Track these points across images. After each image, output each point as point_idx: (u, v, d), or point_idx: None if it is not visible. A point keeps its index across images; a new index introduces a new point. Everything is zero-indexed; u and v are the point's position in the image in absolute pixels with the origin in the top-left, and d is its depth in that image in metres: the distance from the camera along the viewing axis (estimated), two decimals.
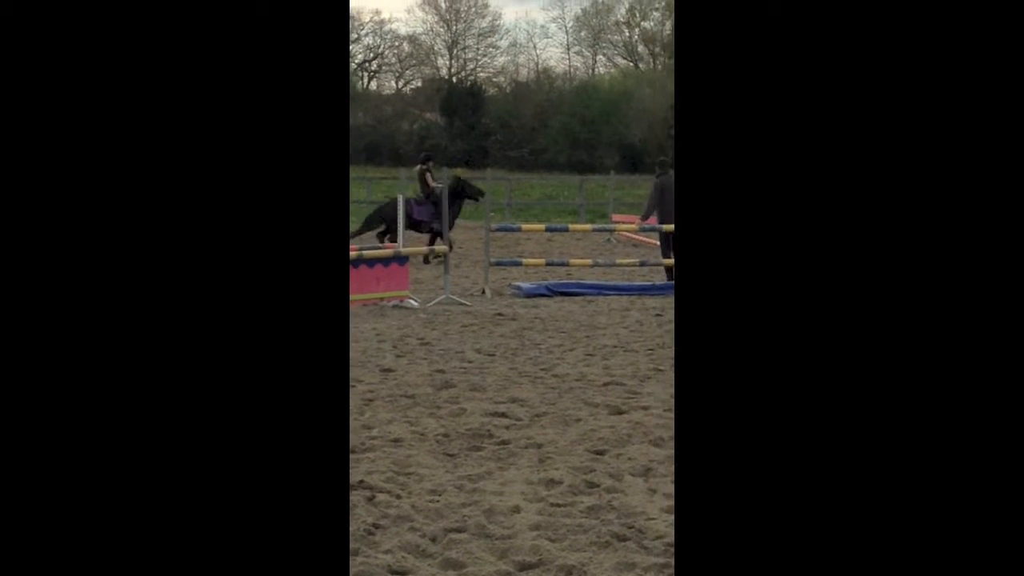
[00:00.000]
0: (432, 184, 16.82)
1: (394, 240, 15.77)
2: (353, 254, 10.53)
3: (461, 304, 10.95)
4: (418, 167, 17.48)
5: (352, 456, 4.72)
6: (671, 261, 13.18)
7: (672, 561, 3.54)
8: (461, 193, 16.90)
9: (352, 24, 48.88)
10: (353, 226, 15.76)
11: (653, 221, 13.79)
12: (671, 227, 13.11)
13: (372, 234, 16.83)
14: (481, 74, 54.14)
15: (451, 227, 15.56)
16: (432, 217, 16.09)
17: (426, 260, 15.68)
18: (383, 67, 54.35)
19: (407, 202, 14.56)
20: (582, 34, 55.65)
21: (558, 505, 4.19)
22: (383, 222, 16.49)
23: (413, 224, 15.36)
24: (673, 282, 12.74)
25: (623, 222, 20.33)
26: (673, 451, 5.00)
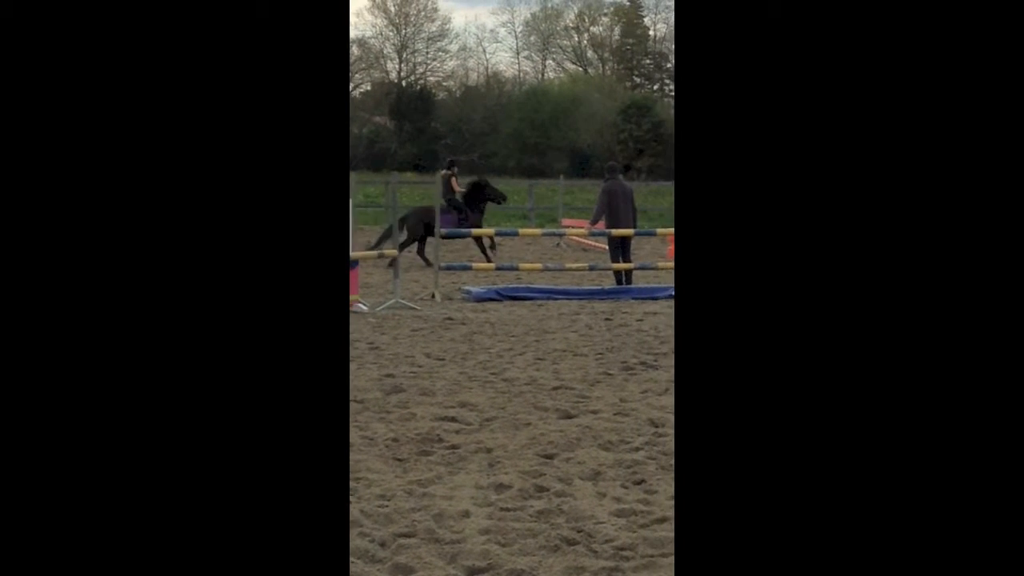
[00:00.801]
0: (457, 189, 17.01)
1: (421, 250, 16.05)
2: None
3: (411, 308, 10.93)
4: (443, 172, 17.64)
5: None
6: (620, 265, 13.25)
7: (621, 565, 3.56)
8: (483, 196, 17.14)
9: None
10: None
11: (601, 226, 13.84)
12: (621, 232, 13.19)
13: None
14: (431, 78, 54.11)
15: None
16: (458, 224, 16.28)
17: (485, 253, 16.24)
18: None
19: (430, 210, 15.00)
20: (532, 39, 55.81)
21: (507, 509, 4.19)
22: (407, 231, 16.36)
23: (431, 230, 15.32)
24: (622, 286, 12.82)
25: (573, 226, 20.39)
26: (622, 455, 5.02)
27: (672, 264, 15.02)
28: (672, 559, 3.59)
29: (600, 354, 8.15)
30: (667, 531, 3.88)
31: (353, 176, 24.29)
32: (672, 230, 16.33)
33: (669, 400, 6.34)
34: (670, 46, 53.12)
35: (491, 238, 16.68)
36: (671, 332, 9.29)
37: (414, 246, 16.41)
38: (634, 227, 13.46)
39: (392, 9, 54.49)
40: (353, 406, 6.13)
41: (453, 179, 17.36)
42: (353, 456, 4.97)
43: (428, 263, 15.70)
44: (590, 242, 19.85)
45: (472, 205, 17.08)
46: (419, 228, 16.16)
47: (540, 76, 55.55)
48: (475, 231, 15.47)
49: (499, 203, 17.22)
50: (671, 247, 19.63)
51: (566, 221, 23.63)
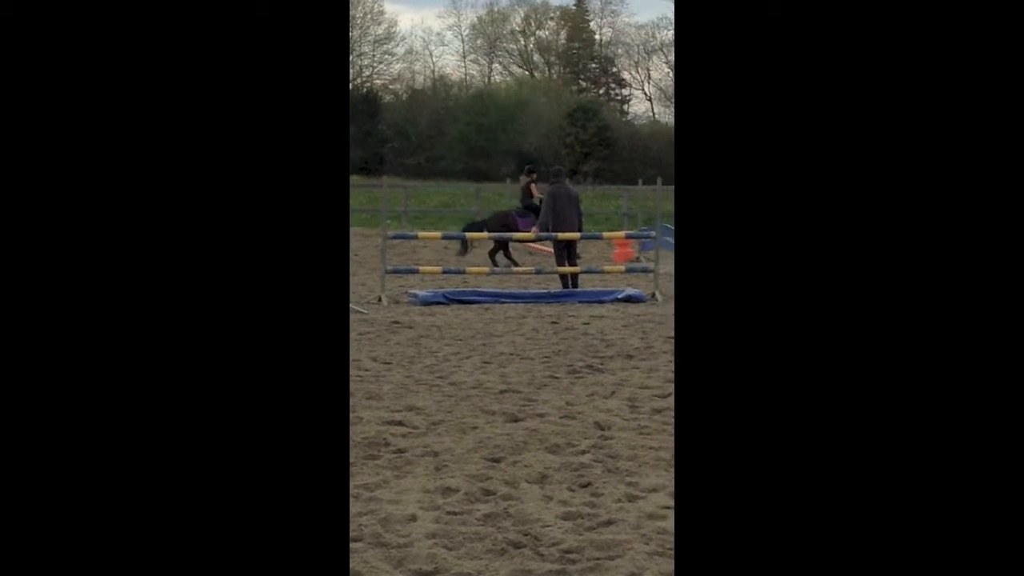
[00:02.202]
0: (536, 195, 17.35)
1: (508, 253, 16.83)
2: None
3: (358, 312, 10.88)
4: (523, 178, 18.18)
5: None
6: (567, 269, 13.30)
7: (567, 568, 3.58)
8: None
9: None
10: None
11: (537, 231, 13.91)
12: (566, 235, 13.23)
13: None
14: (377, 81, 53.90)
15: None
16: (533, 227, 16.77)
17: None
18: None
19: (509, 214, 16.17)
20: (478, 42, 55.84)
21: (454, 513, 4.19)
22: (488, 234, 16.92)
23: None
24: (569, 289, 12.86)
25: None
26: (568, 458, 5.04)
27: (618, 268, 15.10)
28: (617, 562, 3.61)
29: (547, 358, 8.18)
30: (613, 534, 3.91)
31: None
32: (618, 234, 16.43)
33: (615, 403, 6.37)
34: (616, 50, 53.47)
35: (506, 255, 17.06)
36: (617, 336, 9.35)
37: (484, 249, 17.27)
38: (580, 231, 13.51)
39: None
40: None
41: (532, 185, 17.83)
42: None
43: (515, 263, 16.62)
44: (536, 246, 19.87)
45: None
46: (501, 232, 16.74)
47: (487, 80, 55.61)
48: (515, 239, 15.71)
49: None
50: (617, 251, 19.72)
51: None
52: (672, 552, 3.71)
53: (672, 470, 4.81)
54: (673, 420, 5.89)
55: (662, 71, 53.99)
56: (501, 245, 16.80)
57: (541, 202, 17.24)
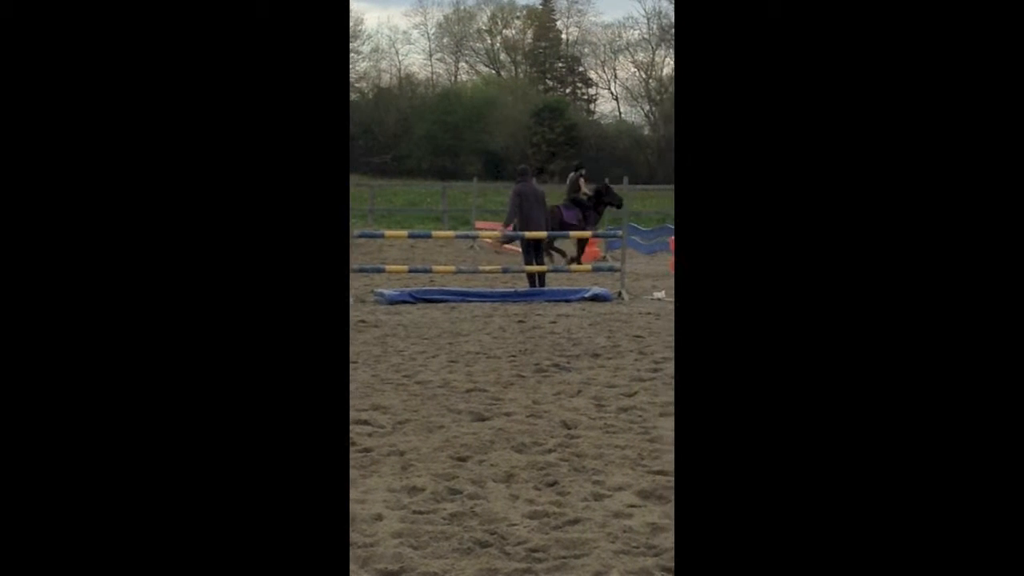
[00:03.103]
0: (584, 190, 18.29)
1: (551, 244, 17.42)
2: None
3: None
4: (572, 174, 18.96)
5: None
6: (533, 268, 13.30)
7: (533, 567, 3.58)
8: (604, 200, 18.24)
9: None
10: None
11: (509, 228, 13.91)
12: (533, 234, 13.24)
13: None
14: None
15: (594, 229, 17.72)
16: (580, 220, 17.73)
17: (577, 260, 17.20)
18: None
19: (556, 207, 17.00)
20: (444, 41, 55.76)
21: (420, 512, 4.18)
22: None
23: (563, 226, 16.88)
24: (536, 288, 12.87)
25: (486, 229, 20.41)
26: (535, 457, 5.04)
27: (585, 267, 15.13)
28: (584, 560, 3.61)
29: (513, 356, 8.18)
30: (579, 532, 3.91)
31: None
32: (585, 233, 16.47)
33: (582, 402, 6.38)
34: (582, 49, 53.57)
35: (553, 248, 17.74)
36: (583, 334, 9.36)
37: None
38: (547, 230, 13.53)
39: None
40: None
41: (581, 180, 18.48)
42: None
43: (563, 254, 17.31)
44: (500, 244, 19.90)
45: (594, 206, 18.31)
46: (550, 226, 17.77)
47: (453, 78, 55.57)
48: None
49: (618, 207, 18.12)
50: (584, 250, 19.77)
51: (479, 224, 23.68)
52: (638, 550, 3.73)
53: (638, 468, 4.83)
54: (639, 419, 5.91)
55: (628, 70, 54.14)
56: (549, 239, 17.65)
57: (588, 197, 18.49)
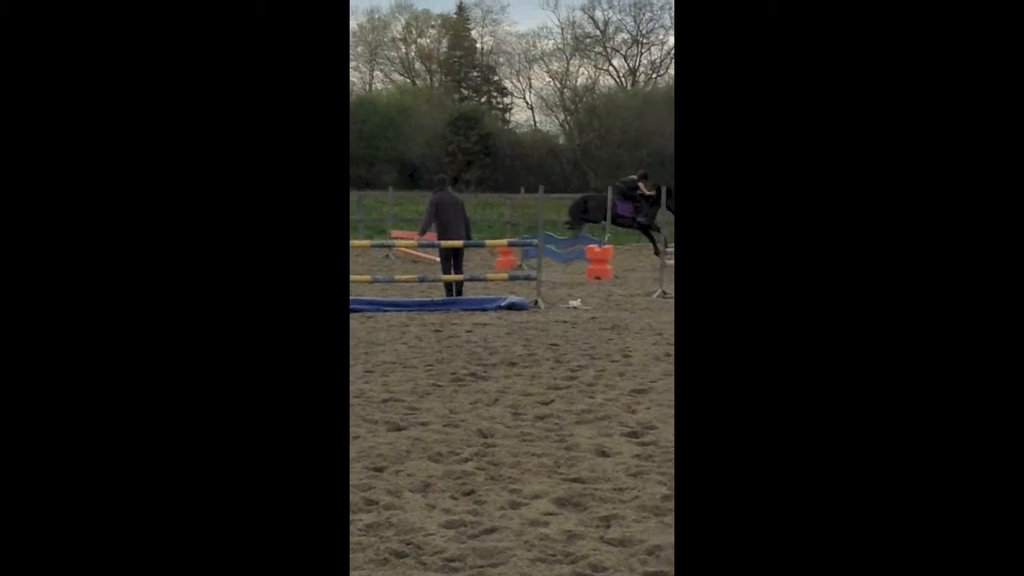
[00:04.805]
0: (644, 191, 20.34)
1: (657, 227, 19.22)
2: None
3: None
4: (632, 177, 21.19)
5: None
6: (450, 277, 13.29)
7: None
8: (660, 200, 19.15)
9: None
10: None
11: (431, 237, 13.87)
12: (450, 243, 13.23)
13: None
14: None
15: (651, 224, 20.12)
16: (635, 212, 20.02)
17: (656, 252, 18.86)
18: None
19: (606, 199, 19.56)
20: (359, 49, 55.46)
21: None
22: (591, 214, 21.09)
23: (617, 218, 19.22)
24: (452, 297, 12.86)
25: (402, 238, 20.34)
26: (451, 467, 5.03)
27: (501, 275, 15.15)
28: (501, 569, 3.62)
29: (430, 366, 8.16)
30: (496, 541, 3.91)
31: None
32: (501, 242, 16.49)
33: (498, 410, 6.39)
34: (497, 59, 53.69)
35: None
36: (500, 343, 9.37)
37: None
38: (467, 238, 13.52)
39: None
40: None
41: (642, 182, 20.61)
42: None
43: (658, 230, 18.62)
44: (419, 253, 19.84)
45: (652, 202, 20.09)
46: (600, 212, 20.24)
47: (368, 87, 55.31)
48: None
49: (671, 211, 18.60)
50: (500, 258, 19.80)
51: (395, 233, 23.60)
52: (555, 558, 3.74)
53: (554, 476, 4.85)
54: (555, 427, 5.93)
55: (543, 80, 54.39)
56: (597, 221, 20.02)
57: (645, 196, 20.24)
